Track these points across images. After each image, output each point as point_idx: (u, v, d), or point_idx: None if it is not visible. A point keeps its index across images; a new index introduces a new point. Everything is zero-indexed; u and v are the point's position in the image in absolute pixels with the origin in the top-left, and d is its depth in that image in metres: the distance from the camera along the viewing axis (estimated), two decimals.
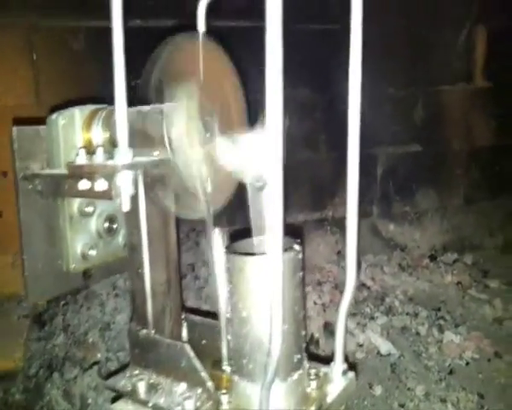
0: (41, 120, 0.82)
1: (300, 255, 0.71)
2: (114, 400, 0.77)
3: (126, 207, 0.68)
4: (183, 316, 0.85)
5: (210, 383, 0.71)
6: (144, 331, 0.77)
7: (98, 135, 0.80)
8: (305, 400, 0.71)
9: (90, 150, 0.75)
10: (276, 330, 0.60)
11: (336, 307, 0.76)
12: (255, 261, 0.68)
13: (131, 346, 0.79)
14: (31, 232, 0.80)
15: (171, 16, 1.49)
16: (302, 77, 1.68)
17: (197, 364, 0.71)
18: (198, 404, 0.70)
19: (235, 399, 0.70)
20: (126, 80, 0.65)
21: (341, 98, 0.71)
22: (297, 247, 0.71)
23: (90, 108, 0.83)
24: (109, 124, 0.79)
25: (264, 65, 0.55)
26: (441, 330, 1.36)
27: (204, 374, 0.71)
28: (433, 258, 1.82)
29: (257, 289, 0.67)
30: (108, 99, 0.70)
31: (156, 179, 0.72)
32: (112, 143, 0.77)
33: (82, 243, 0.85)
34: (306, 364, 0.74)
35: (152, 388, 0.74)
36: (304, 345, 0.73)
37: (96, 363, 1.17)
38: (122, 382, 0.76)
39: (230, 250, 0.72)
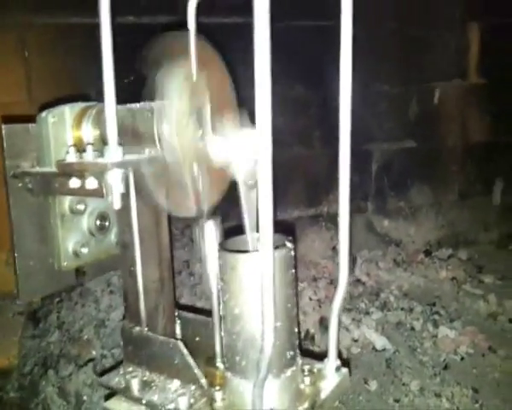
0: (31, 118, 0.81)
1: (292, 252, 0.71)
2: (108, 397, 0.77)
3: (117, 204, 0.68)
4: (176, 313, 0.85)
5: (203, 380, 0.71)
6: (137, 329, 0.77)
7: (88, 133, 0.80)
8: (298, 396, 0.71)
9: (80, 148, 0.75)
10: (268, 327, 0.60)
11: (331, 302, 0.76)
12: (247, 259, 0.68)
13: (125, 343, 0.79)
14: (22, 231, 0.80)
15: (164, 13, 1.49)
16: (296, 73, 1.67)
17: (190, 361, 0.71)
18: (191, 401, 0.70)
19: (228, 396, 0.70)
20: (116, 77, 0.65)
21: (335, 95, 0.70)
22: (289, 244, 0.71)
23: (80, 105, 0.82)
24: (99, 121, 0.78)
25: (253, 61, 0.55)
26: (436, 325, 1.36)
27: (197, 371, 0.71)
28: (427, 253, 1.82)
29: (249, 286, 0.67)
30: (100, 96, 0.70)
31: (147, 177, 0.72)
32: (102, 141, 0.77)
33: (73, 240, 0.85)
34: (300, 360, 0.74)
35: (145, 385, 0.74)
36: (297, 342, 0.73)
37: (90, 360, 1.17)
38: (116, 379, 0.76)
39: (223, 247, 0.72)
